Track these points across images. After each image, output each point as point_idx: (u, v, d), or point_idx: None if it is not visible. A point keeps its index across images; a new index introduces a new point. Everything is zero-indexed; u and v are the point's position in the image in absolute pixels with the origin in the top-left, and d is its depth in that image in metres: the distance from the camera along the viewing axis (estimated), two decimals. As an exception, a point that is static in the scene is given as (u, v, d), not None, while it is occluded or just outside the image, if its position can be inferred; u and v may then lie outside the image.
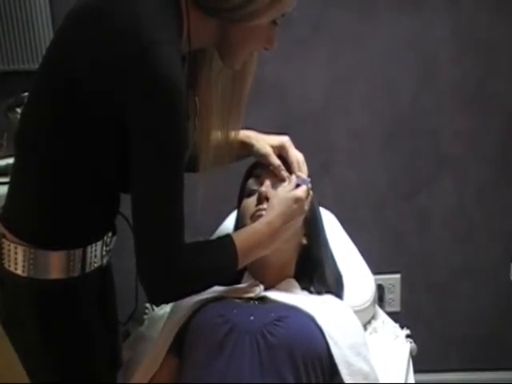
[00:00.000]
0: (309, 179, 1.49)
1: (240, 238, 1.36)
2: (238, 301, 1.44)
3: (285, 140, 1.56)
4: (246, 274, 1.53)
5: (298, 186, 1.45)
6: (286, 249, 1.49)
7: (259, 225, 1.40)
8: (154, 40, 1.14)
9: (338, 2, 2.20)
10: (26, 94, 1.34)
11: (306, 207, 1.45)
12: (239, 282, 1.51)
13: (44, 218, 1.29)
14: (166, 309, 1.69)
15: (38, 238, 1.29)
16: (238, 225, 1.56)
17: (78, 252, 1.32)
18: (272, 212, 1.41)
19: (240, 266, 1.36)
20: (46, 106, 1.26)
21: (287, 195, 1.42)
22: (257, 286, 1.48)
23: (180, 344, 1.42)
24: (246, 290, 1.47)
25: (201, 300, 1.43)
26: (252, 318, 1.38)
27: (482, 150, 2.33)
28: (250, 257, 1.38)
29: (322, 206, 1.69)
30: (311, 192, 1.48)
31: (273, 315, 1.38)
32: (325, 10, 2.21)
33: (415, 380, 1.59)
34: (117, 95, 1.18)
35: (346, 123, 2.30)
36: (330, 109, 2.28)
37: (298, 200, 1.42)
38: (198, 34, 1.28)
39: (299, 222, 1.46)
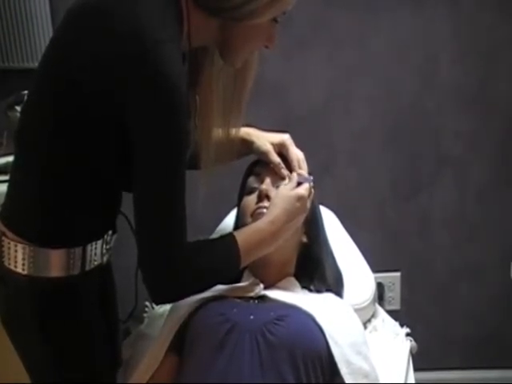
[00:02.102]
0: (311, 177, 1.49)
1: (242, 237, 1.36)
2: (238, 300, 1.45)
3: (285, 138, 1.55)
4: (246, 273, 1.53)
5: (299, 184, 1.45)
6: (286, 247, 1.48)
7: (262, 223, 1.39)
8: (154, 39, 1.14)
9: (338, 2, 2.21)
10: (26, 92, 1.34)
11: (308, 205, 1.45)
12: (239, 281, 1.51)
13: (44, 217, 1.29)
14: (165, 307, 1.68)
15: (38, 236, 1.29)
16: (238, 223, 1.56)
17: (78, 250, 1.32)
18: (274, 210, 1.40)
19: (242, 265, 1.36)
20: (46, 105, 1.26)
21: (290, 193, 1.42)
22: (257, 284, 1.48)
23: (180, 343, 1.42)
24: (245, 289, 1.47)
25: (201, 299, 1.43)
26: (252, 317, 1.38)
27: (482, 151, 2.34)
28: (253, 256, 1.38)
29: (323, 205, 1.69)
30: (313, 190, 1.48)
31: (273, 314, 1.38)
32: (325, 10, 2.21)
33: (415, 378, 1.59)
34: (117, 95, 1.18)
35: (347, 123, 2.30)
36: (330, 108, 2.28)
37: (300, 198, 1.42)
38: (198, 33, 1.28)
39: (301, 220, 1.45)
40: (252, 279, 1.50)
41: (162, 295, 1.31)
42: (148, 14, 1.17)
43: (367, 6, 2.21)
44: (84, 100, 1.21)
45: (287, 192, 1.43)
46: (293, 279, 1.54)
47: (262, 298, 1.46)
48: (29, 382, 1.42)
